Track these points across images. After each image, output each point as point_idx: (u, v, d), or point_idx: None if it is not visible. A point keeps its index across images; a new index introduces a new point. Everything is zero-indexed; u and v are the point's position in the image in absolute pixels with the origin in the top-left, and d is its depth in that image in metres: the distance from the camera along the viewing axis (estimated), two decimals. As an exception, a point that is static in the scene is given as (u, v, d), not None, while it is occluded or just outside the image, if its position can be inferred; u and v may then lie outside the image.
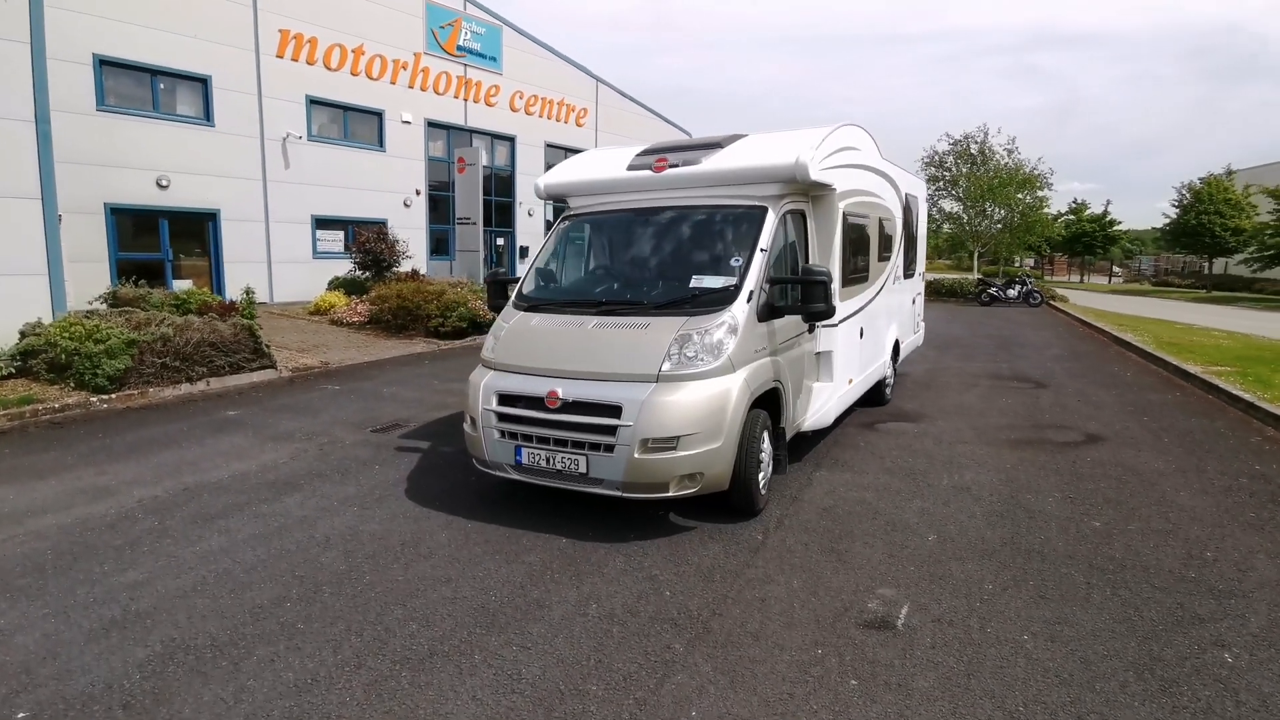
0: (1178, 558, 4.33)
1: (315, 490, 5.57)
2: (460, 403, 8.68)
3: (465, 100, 23.24)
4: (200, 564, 4.28)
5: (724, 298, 4.84)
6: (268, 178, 18.24)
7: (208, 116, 17.02)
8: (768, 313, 5.01)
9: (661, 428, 4.39)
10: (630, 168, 5.81)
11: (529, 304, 5.47)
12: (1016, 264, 38.94)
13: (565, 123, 27.01)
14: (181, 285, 15.88)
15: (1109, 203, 67.94)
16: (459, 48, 22.81)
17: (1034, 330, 17.24)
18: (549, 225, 26.81)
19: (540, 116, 26.01)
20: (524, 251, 25.79)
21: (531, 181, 25.79)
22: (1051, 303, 24.96)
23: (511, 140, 25.13)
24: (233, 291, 16.17)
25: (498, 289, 6.09)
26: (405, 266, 17.69)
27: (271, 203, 18.36)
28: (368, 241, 16.92)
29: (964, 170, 28.78)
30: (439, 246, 23.40)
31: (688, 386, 4.48)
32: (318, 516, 5.03)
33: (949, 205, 29.64)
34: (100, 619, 3.64)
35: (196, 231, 17.28)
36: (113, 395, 8.23)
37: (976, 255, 31.31)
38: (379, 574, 4.13)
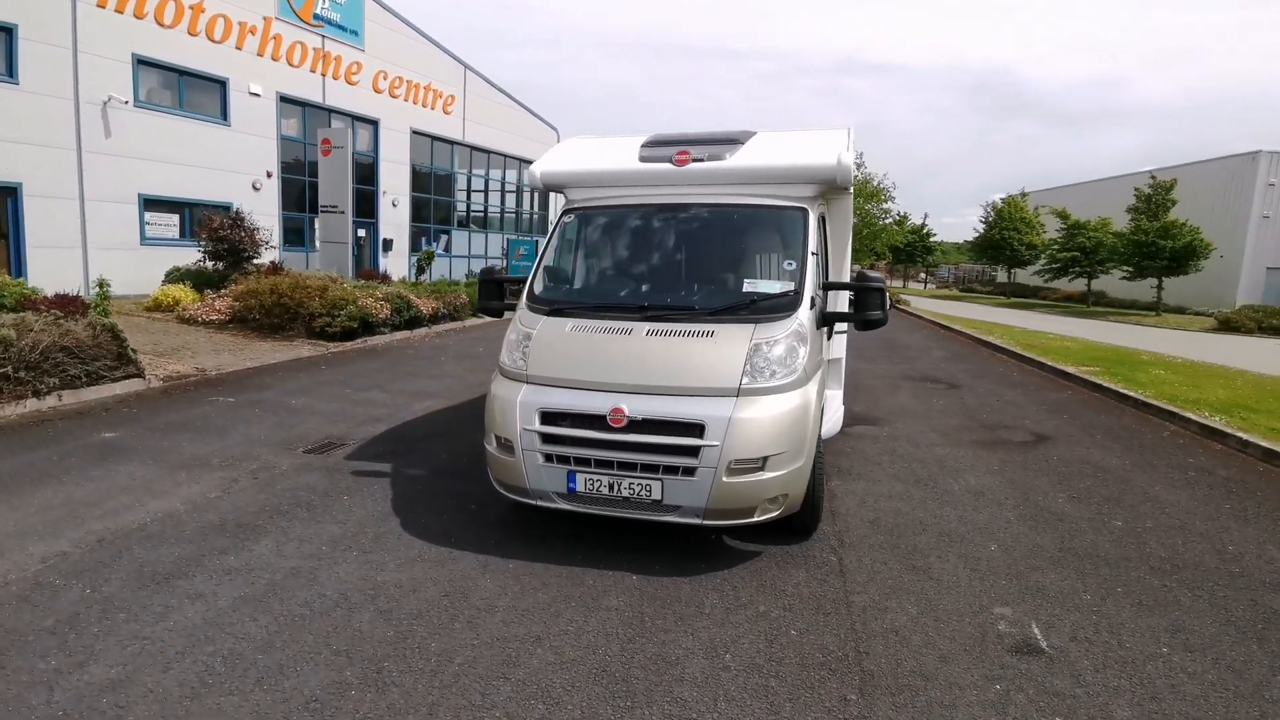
0: (1210, 553, 4.63)
1: (286, 532, 4.54)
2: (391, 414, 7.72)
3: (323, 76, 21.02)
4: (191, 646, 3.26)
5: (787, 304, 4.52)
6: (84, 148, 15.30)
7: (10, 72, 13.94)
8: (820, 320, 4.77)
9: (751, 447, 3.99)
10: (644, 160, 5.32)
11: (552, 307, 4.81)
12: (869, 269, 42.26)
13: (432, 109, 25.34)
14: (-28, 274, 12.85)
15: (926, 216, 76.54)
16: (316, 16, 20.57)
17: (904, 333, 18.60)
18: (417, 216, 25.10)
19: (406, 100, 24.18)
20: (387, 245, 23.87)
21: (396, 169, 24.06)
22: (898, 306, 27.24)
23: (374, 124, 23.13)
24: (37, 280, 13.36)
25: (491, 288, 5.36)
26: (266, 258, 15.62)
27: (88, 178, 15.43)
28: (221, 228, 14.72)
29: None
30: (293, 236, 20.99)
31: (769, 401, 4.12)
32: (312, 567, 4.07)
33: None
34: (86, 744, 2.62)
35: (-12, 208, 14.12)
36: (-70, 416, 6.35)
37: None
38: (446, 639, 3.37)
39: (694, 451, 3.98)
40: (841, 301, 6.09)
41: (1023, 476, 6.14)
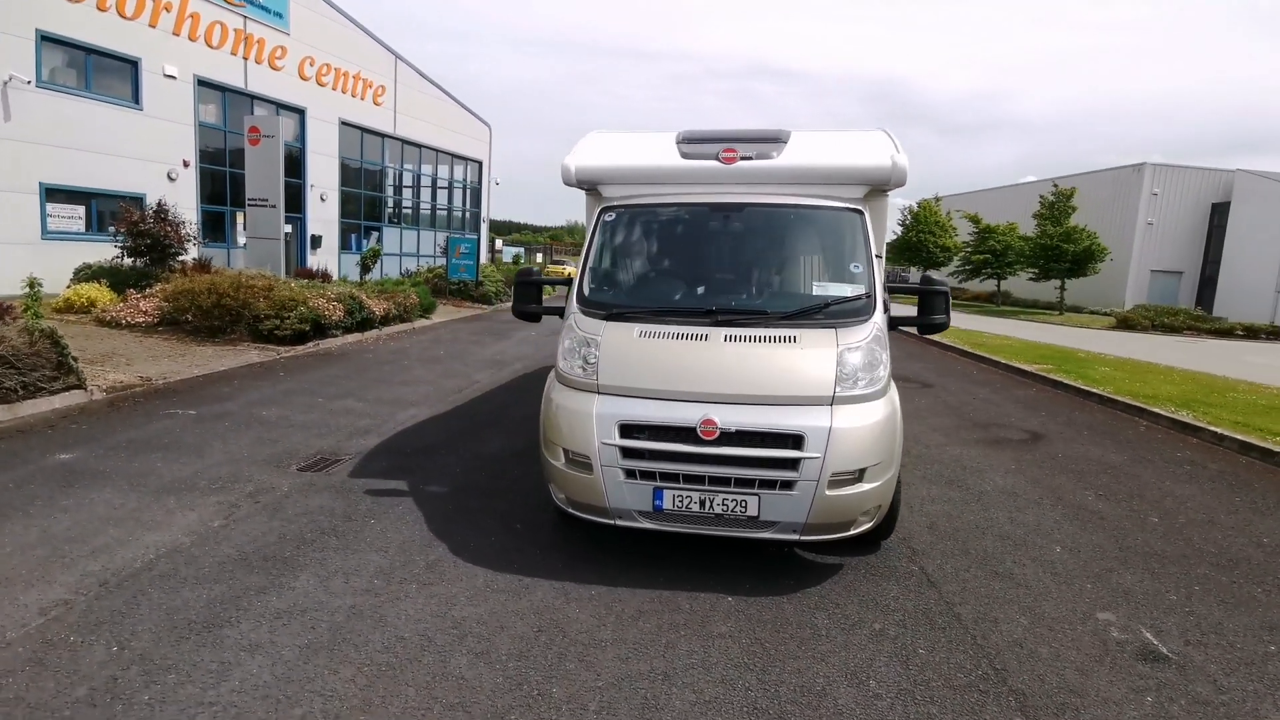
0: (1251, 546, 4.82)
1: (324, 564, 4.04)
2: (377, 425, 7.14)
3: (245, 59, 19.57)
4: (275, 712, 2.79)
5: (861, 308, 4.39)
6: (-26, 129, 13.61)
7: (-118, 37, 12.21)
8: (889, 324, 4.67)
9: (851, 458, 3.82)
10: (687, 156, 5.08)
11: (610, 312, 4.49)
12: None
13: (362, 99, 24.09)
14: None
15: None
16: (237, -5, 19.12)
17: (851, 332, 19.03)
18: (346, 212, 23.85)
19: (334, 89, 22.87)
20: (316, 241, 22.53)
21: (324, 161, 22.81)
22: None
23: (301, 113, 21.75)
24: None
25: (529, 291, 5.00)
26: (191, 254, 14.36)
27: (-21, 163, 13.74)
28: (142, 222, 13.39)
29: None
30: (212, 231, 19.45)
31: (863, 409, 3.96)
32: (374, 605, 3.62)
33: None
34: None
35: None
36: None
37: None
38: (566, 682, 3.03)
39: (794, 464, 3.78)
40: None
41: (1042, 475, 6.27)
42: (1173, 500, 5.73)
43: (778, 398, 3.92)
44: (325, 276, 16.45)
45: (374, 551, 4.24)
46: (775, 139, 5.17)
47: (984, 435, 7.70)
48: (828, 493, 3.77)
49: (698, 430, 3.82)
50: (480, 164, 32.16)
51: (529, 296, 5.01)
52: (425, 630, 3.39)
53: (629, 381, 4.07)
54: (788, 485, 3.78)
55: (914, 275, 53.53)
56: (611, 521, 4.00)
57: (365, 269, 18.03)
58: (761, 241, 4.98)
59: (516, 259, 36.83)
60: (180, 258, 13.90)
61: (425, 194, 29.39)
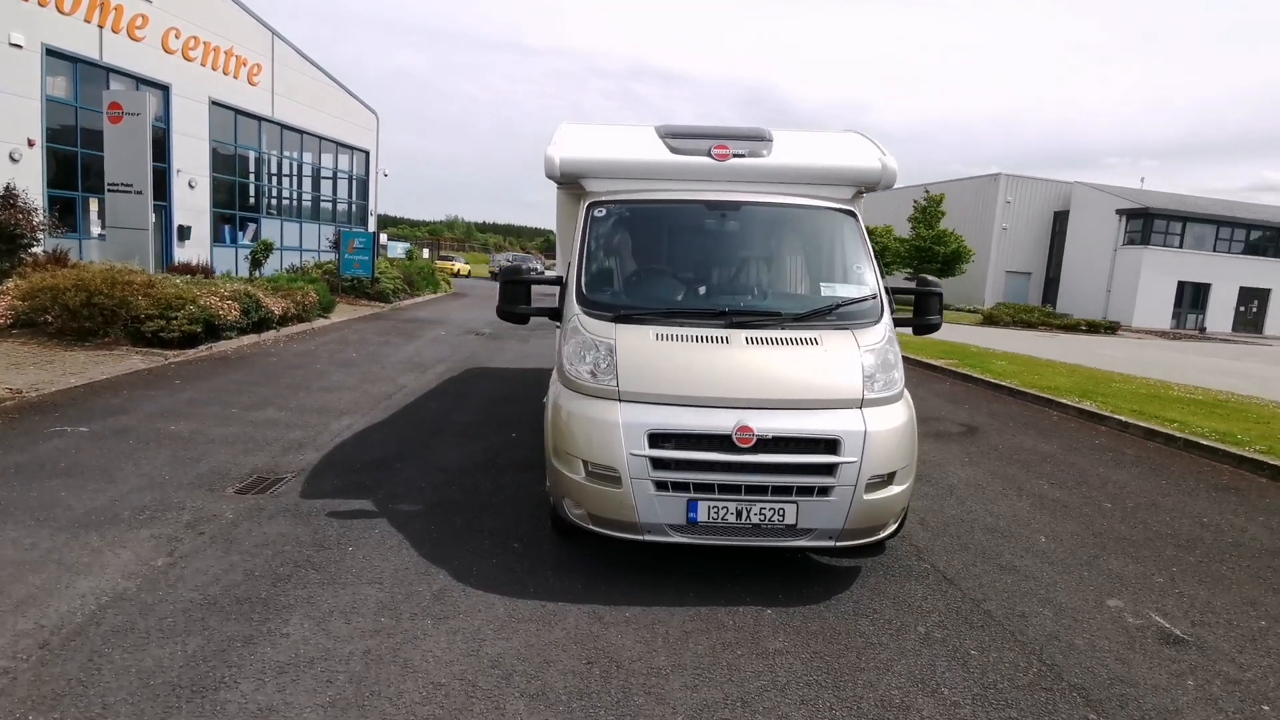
0: (1197, 527, 5.26)
1: (313, 603, 3.53)
2: (311, 438, 6.46)
3: (101, 27, 17.33)
4: (321, 787, 2.36)
5: (870, 309, 4.39)
6: None
7: None
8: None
9: (885, 462, 3.79)
10: (677, 152, 4.91)
11: (618, 313, 4.23)
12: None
13: (235, 78, 22.00)
14: None
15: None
16: (88, -48, 16.89)
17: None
18: (219, 201, 21.81)
19: (204, 65, 20.74)
20: (184, 232, 20.36)
21: (193, 144, 20.87)
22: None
23: (165, 89, 19.54)
24: None
25: (518, 292, 4.65)
26: (43, 245, 12.54)
27: None
28: (-19, 207, 11.53)
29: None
30: (62, 220, 17.08)
31: (888, 411, 3.94)
32: (391, 647, 3.19)
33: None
34: None
35: None
36: None
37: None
38: None
39: (831, 469, 3.69)
40: None
41: (996, 466, 6.60)
42: (1113, 486, 6.19)
43: (809, 401, 3.82)
44: (205, 271, 14.89)
45: (366, 584, 3.77)
46: (760, 137, 5.10)
47: (925, 429, 8.01)
48: (865, 497, 3.72)
49: (733, 437, 3.65)
50: (367, 154, 30.35)
51: (517, 296, 4.65)
52: (462, 673, 3.02)
53: (654, 388, 3.84)
54: (824, 491, 3.69)
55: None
56: (640, 537, 3.76)
57: (256, 264, 16.50)
58: (763, 241, 4.89)
59: (410, 254, 35.04)
60: (32, 249, 12.08)
61: (308, 184, 27.35)
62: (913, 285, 4.84)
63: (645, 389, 3.84)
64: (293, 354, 11.07)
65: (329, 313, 15.63)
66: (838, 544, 3.80)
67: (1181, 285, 39.11)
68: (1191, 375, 14.13)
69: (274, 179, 25.27)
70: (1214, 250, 39.78)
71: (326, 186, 28.52)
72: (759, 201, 4.86)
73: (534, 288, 4.77)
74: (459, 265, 45.89)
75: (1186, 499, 5.94)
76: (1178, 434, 7.70)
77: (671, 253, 4.95)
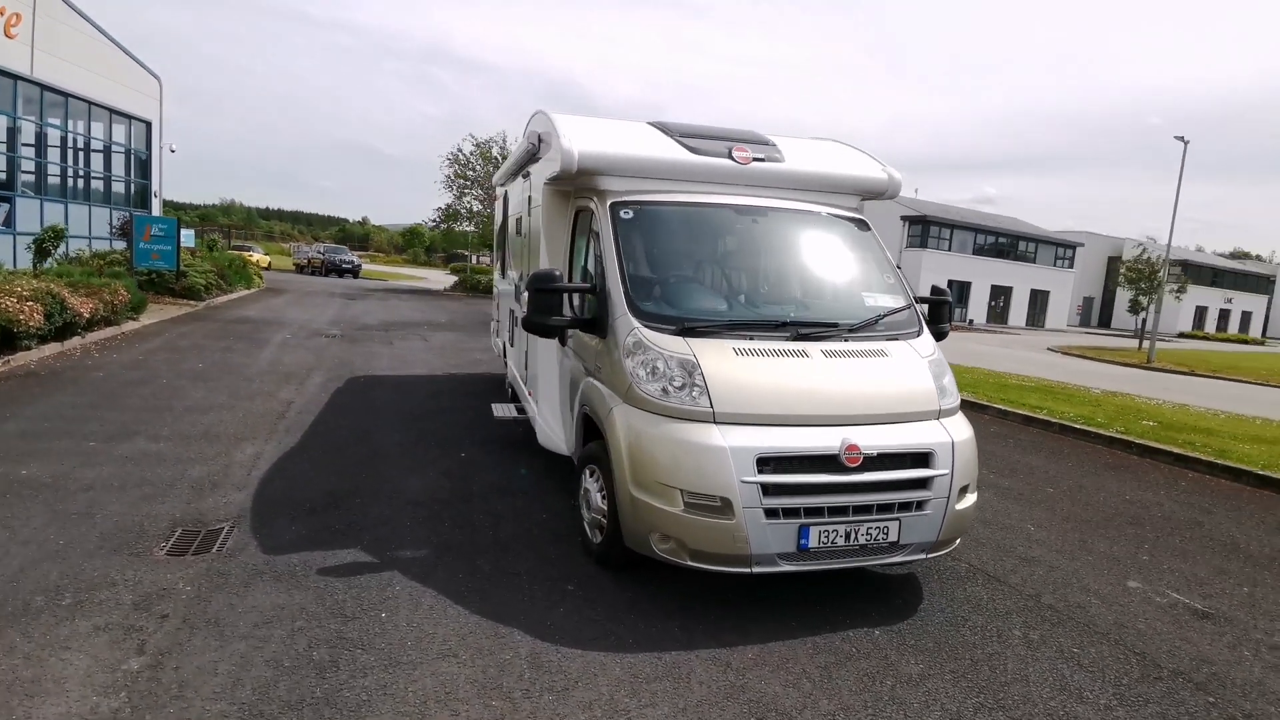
0: (1131, 505, 6.01)
1: (391, 694, 2.84)
2: (220, 474, 5.43)
3: None
4: None
5: (911, 319, 4.45)
6: None
7: None
8: None
9: (968, 471, 3.85)
10: (696, 152, 4.66)
11: (682, 326, 3.89)
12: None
13: (-22, 23, 17.67)
14: None
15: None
16: None
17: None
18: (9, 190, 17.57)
19: (-68, 2, 16.42)
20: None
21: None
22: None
23: (-127, 26, 15.18)
24: None
25: (551, 300, 4.15)
26: None
27: None
28: None
29: (489, 171, 30.05)
30: None
31: (959, 421, 4.01)
32: (531, 737, 2.65)
33: (475, 205, 30.58)
34: None
35: None
36: None
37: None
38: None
39: (927, 483, 3.68)
40: None
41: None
42: (1039, 471, 6.91)
43: (899, 415, 3.79)
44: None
45: (438, 659, 3.12)
46: (765, 141, 5.00)
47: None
48: (957, 508, 3.76)
49: (840, 457, 3.51)
50: (149, 125, 25.89)
51: (551, 306, 4.13)
52: (639, 757, 2.58)
53: (754, 408, 3.57)
54: (921, 505, 3.67)
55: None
56: (749, 570, 3.49)
57: (43, 254, 13.35)
58: (797, 248, 4.78)
59: (211, 243, 30.37)
60: None
61: (77, 158, 22.78)
62: (927, 295, 5.00)
63: (744, 409, 3.56)
64: (119, 366, 9.10)
65: (139, 314, 13.12)
66: (929, 556, 3.81)
67: (951, 283, 45.33)
68: (1004, 364, 16.35)
69: (33, 150, 20.73)
70: (973, 253, 46.59)
71: (99, 161, 23.95)
72: (788, 208, 4.75)
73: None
74: (258, 256, 40.97)
75: (1099, 479, 6.79)
76: (1052, 420, 8.81)
77: (712, 259, 4.68)
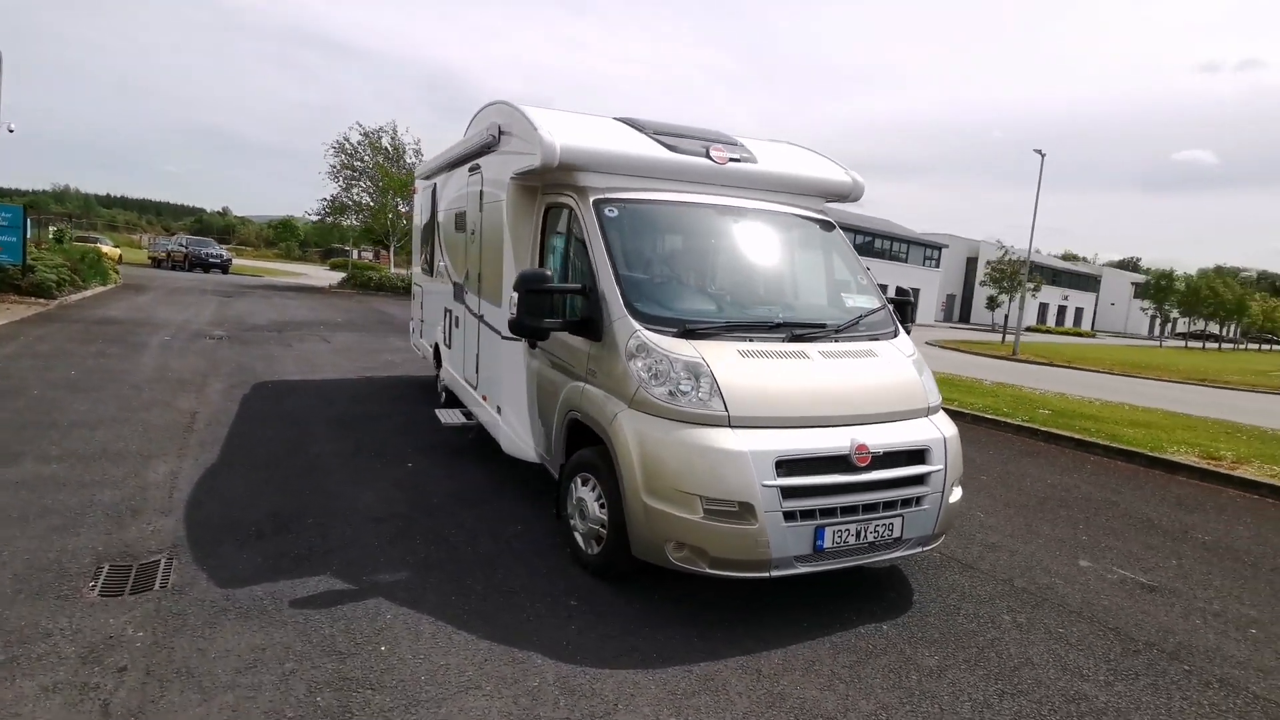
0: (1054, 489, 6.50)
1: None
2: (136, 497, 4.95)
3: None
4: None
5: (887, 319, 4.59)
6: None
7: None
8: None
9: (958, 465, 4.01)
10: (674, 150, 4.60)
11: (683, 328, 3.80)
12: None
13: None
14: None
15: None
16: None
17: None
18: None
19: None
20: None
21: None
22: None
23: None
24: None
25: (541, 302, 3.96)
26: None
27: None
28: None
29: (379, 162, 28.54)
30: None
31: (944, 418, 4.17)
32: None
33: (365, 198, 28.93)
34: None
35: None
36: None
37: (393, 249, 31.54)
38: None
39: (925, 479, 3.79)
40: None
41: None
42: (969, 460, 7.20)
43: (897, 413, 3.88)
44: None
45: (462, 692, 2.88)
46: (733, 141, 5.01)
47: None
48: (949, 501, 3.90)
49: (851, 457, 3.55)
50: (-25, 98, 22.65)
51: (541, 309, 3.94)
52: (707, 779, 2.48)
53: (767, 411, 3.55)
54: (919, 500, 3.78)
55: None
56: (768, 574, 3.46)
57: None
58: (777, 249, 4.81)
59: (60, 234, 26.79)
60: None
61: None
62: (893, 295, 5.16)
63: (757, 412, 3.53)
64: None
65: (-18, 314, 11.44)
66: (925, 550, 3.93)
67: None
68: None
69: None
70: (883, 258, 49.38)
71: (-90, 137, 20.68)
72: (768, 209, 4.78)
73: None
74: (107, 249, 36.86)
75: (1021, 465, 7.32)
76: (965, 410, 9.42)
77: (698, 260, 4.60)
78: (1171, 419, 10.47)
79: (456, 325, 6.79)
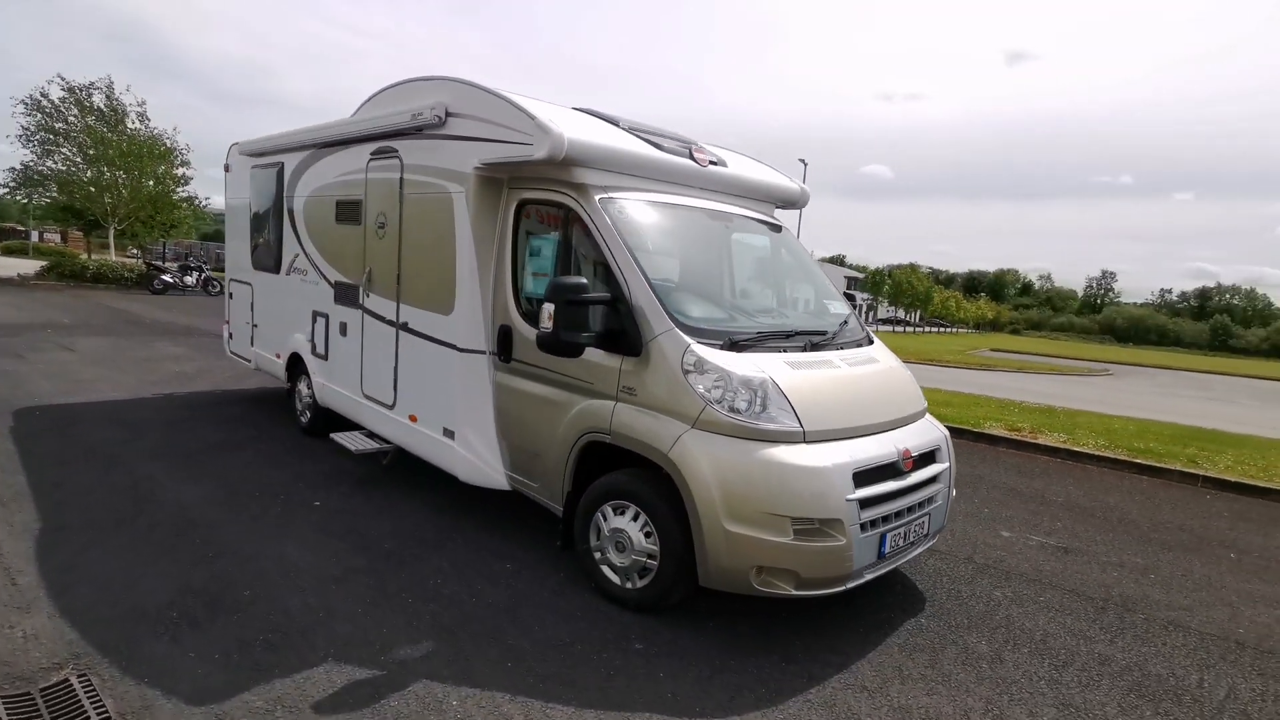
0: (981, 478, 7.32)
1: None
2: None
3: None
4: None
5: (858, 324, 4.80)
6: None
7: None
8: None
9: (954, 463, 4.33)
10: (660, 149, 4.41)
11: (727, 340, 3.62)
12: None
13: None
14: None
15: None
16: None
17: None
18: None
19: None
20: None
21: None
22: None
23: None
24: None
25: (579, 315, 3.57)
26: None
27: None
28: None
29: (90, 125, 23.27)
30: None
31: (933, 418, 4.47)
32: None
33: (69, 167, 23.40)
34: None
35: None
36: None
37: (113, 233, 25.74)
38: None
39: (940, 476, 4.05)
40: None
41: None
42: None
43: (912, 416, 4.10)
44: None
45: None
46: (696, 142, 4.94)
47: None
48: (953, 494, 4.21)
49: (899, 463, 3.68)
50: None
51: (579, 322, 3.53)
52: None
53: (832, 423, 3.53)
54: (936, 497, 4.04)
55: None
56: (844, 587, 3.44)
57: None
58: (765, 255, 4.78)
59: None
60: None
61: None
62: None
63: (825, 425, 3.50)
64: None
65: None
66: (933, 542, 4.19)
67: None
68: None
69: None
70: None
71: None
72: (751, 216, 4.78)
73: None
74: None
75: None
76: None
77: (702, 266, 4.39)
78: (960, 398, 12.37)
79: (343, 333, 5.79)
